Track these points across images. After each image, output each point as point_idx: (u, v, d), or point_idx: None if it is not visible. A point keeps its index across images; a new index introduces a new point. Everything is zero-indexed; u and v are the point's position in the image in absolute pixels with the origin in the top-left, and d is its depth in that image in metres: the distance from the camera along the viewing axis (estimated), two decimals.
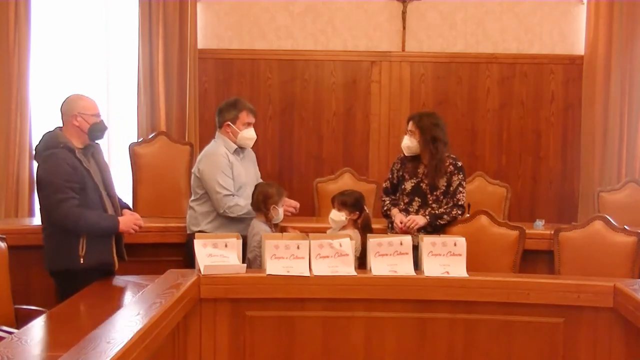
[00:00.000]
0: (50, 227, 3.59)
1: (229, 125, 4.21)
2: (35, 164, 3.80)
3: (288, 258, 3.45)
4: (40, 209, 3.68)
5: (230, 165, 4.16)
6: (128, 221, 3.67)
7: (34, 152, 3.75)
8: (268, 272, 3.42)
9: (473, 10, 5.97)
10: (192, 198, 4.27)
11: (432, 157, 4.11)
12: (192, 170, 4.28)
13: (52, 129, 3.67)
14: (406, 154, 4.20)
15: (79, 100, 3.69)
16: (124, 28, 5.85)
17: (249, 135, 4.25)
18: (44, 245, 3.64)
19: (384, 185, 4.39)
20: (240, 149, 4.28)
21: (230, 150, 4.20)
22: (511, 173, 6.00)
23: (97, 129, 3.65)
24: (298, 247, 3.47)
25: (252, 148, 4.41)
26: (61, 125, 3.66)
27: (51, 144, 3.57)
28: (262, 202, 4.03)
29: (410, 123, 4.18)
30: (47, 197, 3.52)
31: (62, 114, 3.66)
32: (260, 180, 4.42)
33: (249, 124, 4.24)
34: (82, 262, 3.51)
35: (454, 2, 5.96)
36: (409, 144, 4.15)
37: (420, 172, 4.18)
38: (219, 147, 4.21)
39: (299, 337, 3.42)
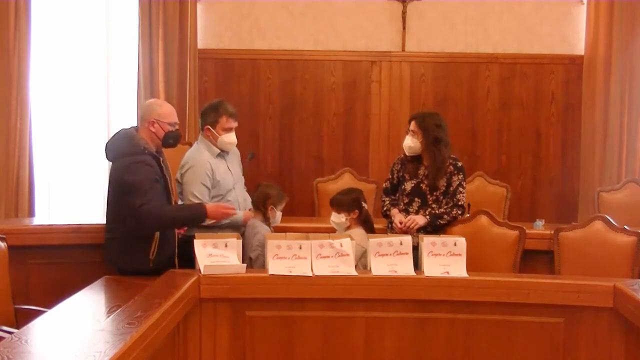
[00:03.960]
0: (122, 229, 3.62)
1: (209, 129, 4.11)
2: (100, 163, 3.82)
3: (290, 258, 3.45)
4: (111, 210, 3.69)
5: (211, 173, 4.05)
6: (219, 207, 3.73)
7: (109, 152, 3.71)
8: (270, 272, 3.42)
9: (473, 10, 5.97)
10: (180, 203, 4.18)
11: (435, 158, 4.09)
12: (176, 177, 4.11)
13: (127, 127, 3.75)
14: (408, 154, 4.18)
15: (158, 107, 3.77)
16: (124, 28, 5.85)
17: (229, 139, 4.12)
18: (107, 245, 3.71)
19: (383, 185, 4.39)
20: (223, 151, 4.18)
21: (213, 154, 4.10)
22: (511, 173, 6.00)
23: (170, 137, 3.74)
24: (300, 247, 3.47)
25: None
26: (136, 125, 3.75)
27: (134, 149, 3.60)
28: (261, 201, 4.12)
29: (413, 123, 4.16)
30: (128, 204, 3.51)
31: (139, 116, 3.74)
32: (242, 178, 4.33)
33: (229, 129, 4.11)
34: (151, 265, 3.61)
35: (454, 2, 5.96)
36: (410, 144, 4.14)
37: (420, 173, 4.17)
38: (202, 154, 4.09)
39: (299, 337, 3.42)
